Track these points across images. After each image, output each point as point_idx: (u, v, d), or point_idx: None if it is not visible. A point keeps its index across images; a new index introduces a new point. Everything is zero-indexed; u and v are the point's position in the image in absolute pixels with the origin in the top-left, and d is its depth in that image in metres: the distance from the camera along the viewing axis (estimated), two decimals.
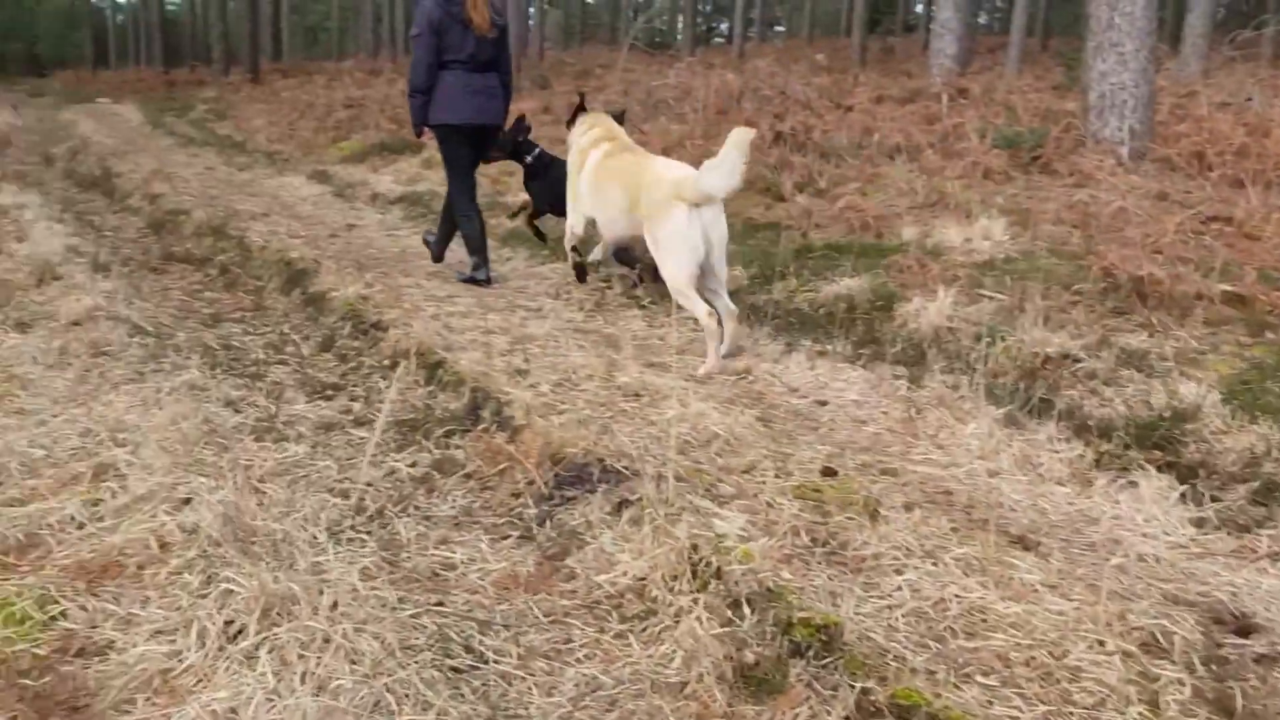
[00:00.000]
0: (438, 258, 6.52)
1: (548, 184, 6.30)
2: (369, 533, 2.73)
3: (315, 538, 2.63)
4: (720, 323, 4.44)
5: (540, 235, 6.87)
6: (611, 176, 5.23)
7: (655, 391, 3.81)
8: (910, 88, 15.22)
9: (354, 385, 4.10)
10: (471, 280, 5.98)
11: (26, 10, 56.73)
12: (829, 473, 3.11)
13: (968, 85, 14.78)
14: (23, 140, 14.10)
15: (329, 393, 3.99)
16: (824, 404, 3.97)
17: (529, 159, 6.50)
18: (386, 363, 4.31)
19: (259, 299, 5.63)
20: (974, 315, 5.13)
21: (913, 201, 8.57)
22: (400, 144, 12.83)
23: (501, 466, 3.15)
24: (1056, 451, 3.48)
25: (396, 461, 3.27)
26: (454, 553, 2.65)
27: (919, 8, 39.64)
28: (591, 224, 5.52)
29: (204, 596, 2.25)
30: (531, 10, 34.44)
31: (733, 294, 4.96)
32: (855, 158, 10.64)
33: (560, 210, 5.93)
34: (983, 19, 34.11)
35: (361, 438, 3.50)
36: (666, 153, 11.13)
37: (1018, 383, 4.16)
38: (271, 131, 15.75)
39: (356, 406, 3.82)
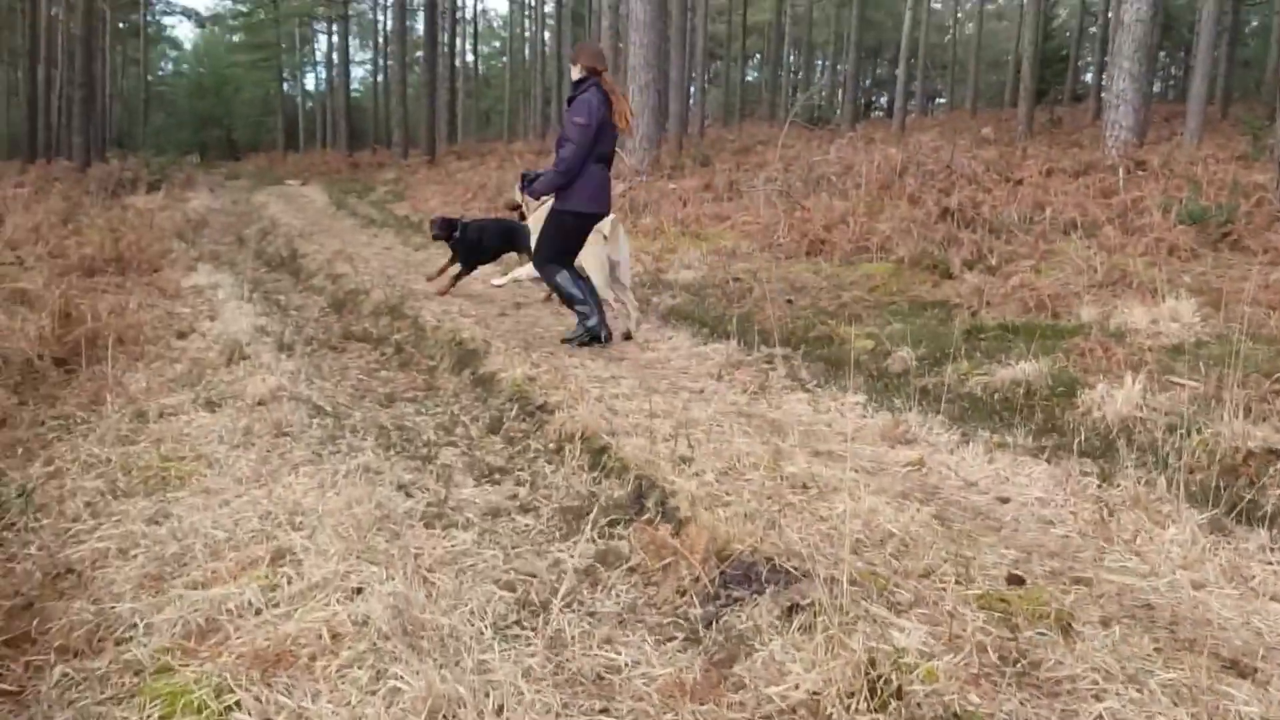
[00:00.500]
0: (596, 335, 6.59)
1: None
2: (533, 629, 2.69)
3: (481, 633, 2.60)
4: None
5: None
6: None
7: (824, 483, 3.68)
8: (1083, 160, 14.73)
9: (520, 469, 4.13)
10: (582, 337, 6.46)
11: (226, 100, 61.41)
12: (1016, 580, 2.91)
13: (1145, 157, 14.20)
14: (219, 221, 15.15)
15: (496, 476, 4.02)
16: (1005, 501, 3.75)
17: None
18: (552, 446, 4.33)
19: (431, 378, 5.78)
20: (1165, 404, 4.82)
21: (1091, 280, 8.20)
22: None
23: (666, 561, 3.07)
24: (1269, 563, 3.17)
25: (561, 552, 3.24)
26: (618, 654, 2.58)
27: (1088, 76, 38.51)
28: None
29: (373, 694, 2.25)
30: (693, 90, 35.14)
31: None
32: (1027, 233, 10.31)
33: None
34: (1156, 86, 32.84)
35: (527, 525, 3.50)
36: (829, 229, 11.14)
37: (1218, 481, 3.85)
38: (446, 212, 16.41)
39: (523, 492, 3.83)
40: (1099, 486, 3.83)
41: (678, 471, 3.75)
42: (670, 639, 2.69)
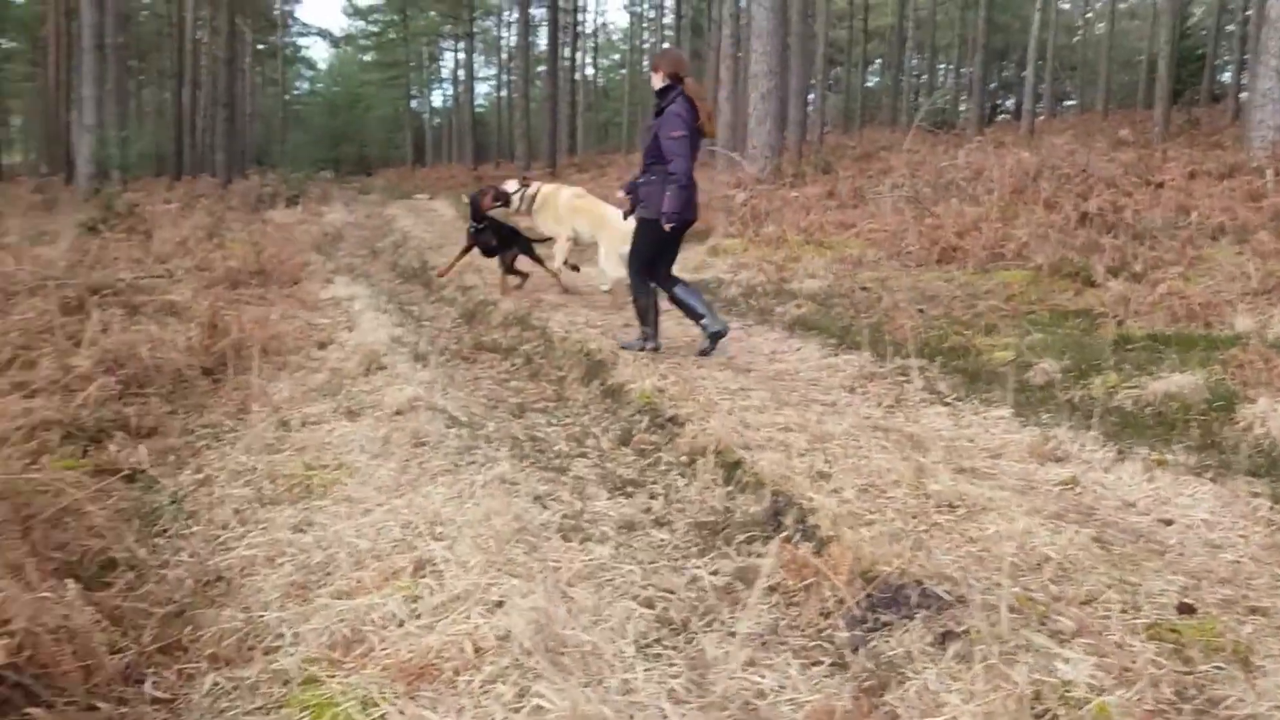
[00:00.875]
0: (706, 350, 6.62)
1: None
2: (675, 648, 2.63)
3: (623, 651, 2.56)
4: None
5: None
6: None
7: (972, 502, 3.52)
8: (1226, 162, 13.99)
9: (653, 482, 4.08)
10: (641, 349, 6.45)
11: (357, 117, 63.52)
12: (1186, 609, 2.72)
13: None
14: (353, 234, 15.60)
15: (629, 489, 3.99)
16: (1169, 523, 3.53)
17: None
18: (684, 459, 4.27)
19: (560, 389, 5.79)
20: None
21: (1245, 287, 7.75)
22: (687, 233, 13.09)
23: (807, 581, 2.98)
24: None
25: (698, 568, 3.17)
26: (763, 677, 2.49)
27: (1225, 76, 36.67)
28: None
29: (516, 711, 2.22)
30: (812, 96, 34.74)
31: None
32: (1172, 239, 9.81)
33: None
34: None
35: (662, 539, 3.44)
36: (961, 235, 10.81)
37: None
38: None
39: (656, 505, 3.78)
40: (1270, 508, 3.58)
41: (816, 488, 3.64)
42: (816, 663, 2.59)
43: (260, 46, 50.05)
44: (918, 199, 13.34)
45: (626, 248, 7.03)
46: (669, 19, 48.59)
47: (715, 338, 6.59)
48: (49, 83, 37.64)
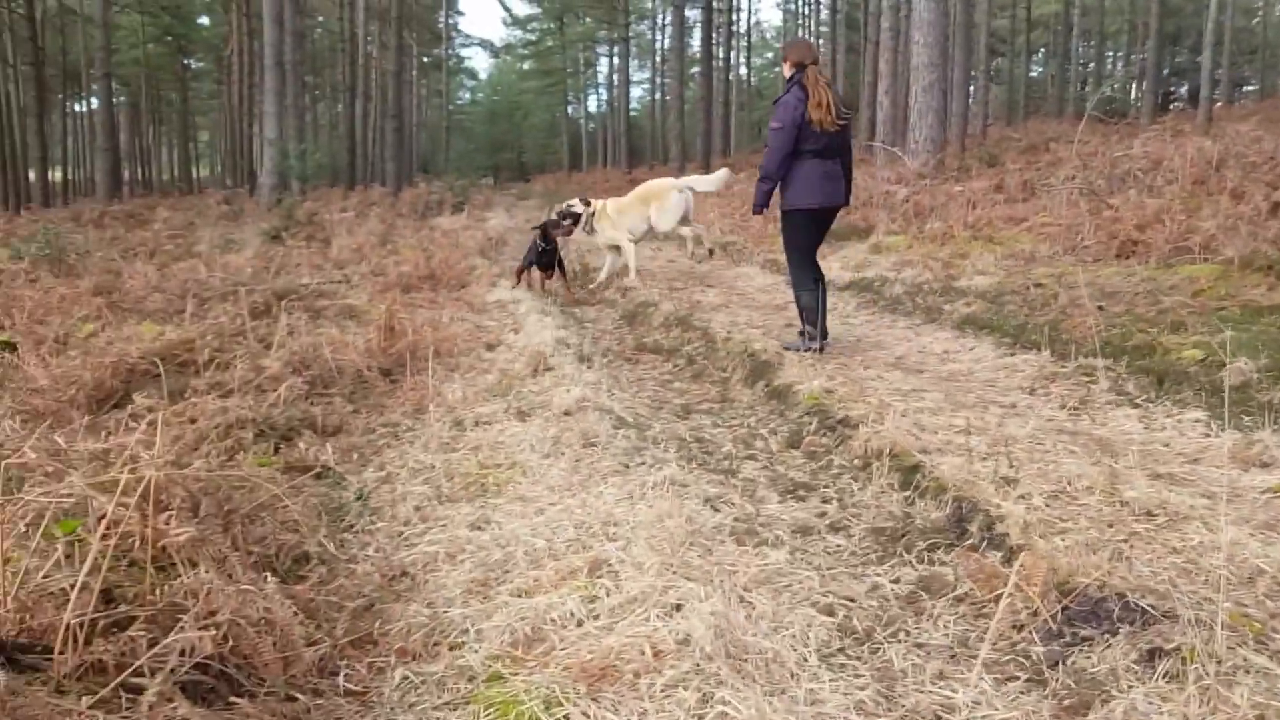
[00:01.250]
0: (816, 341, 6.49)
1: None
2: (860, 659, 2.55)
3: (805, 659, 2.49)
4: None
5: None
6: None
7: (1172, 510, 3.30)
8: None
9: (825, 485, 3.99)
10: (805, 349, 6.31)
11: (516, 124, 65.22)
12: None
13: None
14: (515, 239, 15.95)
15: (801, 493, 3.91)
16: None
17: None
18: (857, 463, 4.16)
19: (725, 390, 5.75)
20: None
21: None
22: (847, 230, 12.87)
23: (997, 592, 2.84)
24: None
25: (879, 576, 3.08)
26: (955, 692, 2.39)
27: None
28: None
29: (700, 717, 2.18)
30: (973, 89, 33.66)
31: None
32: None
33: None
34: None
35: (838, 545, 3.36)
36: (1141, 229, 10.24)
37: None
38: (724, 224, 16.51)
39: (831, 509, 3.70)
40: None
41: (1001, 494, 3.48)
42: (1011, 678, 2.46)
43: (425, 59, 51.95)
44: (1093, 191, 12.72)
45: (668, 209, 10.01)
46: (824, 14, 47.98)
47: (808, 348, 6.38)
48: (232, 99, 40.03)
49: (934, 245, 11.48)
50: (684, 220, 10.43)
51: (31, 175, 34.86)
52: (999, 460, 3.87)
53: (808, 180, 6.26)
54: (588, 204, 10.29)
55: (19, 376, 5.22)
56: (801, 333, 6.50)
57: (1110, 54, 49.41)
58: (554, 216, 9.98)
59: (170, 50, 45.17)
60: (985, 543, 3.16)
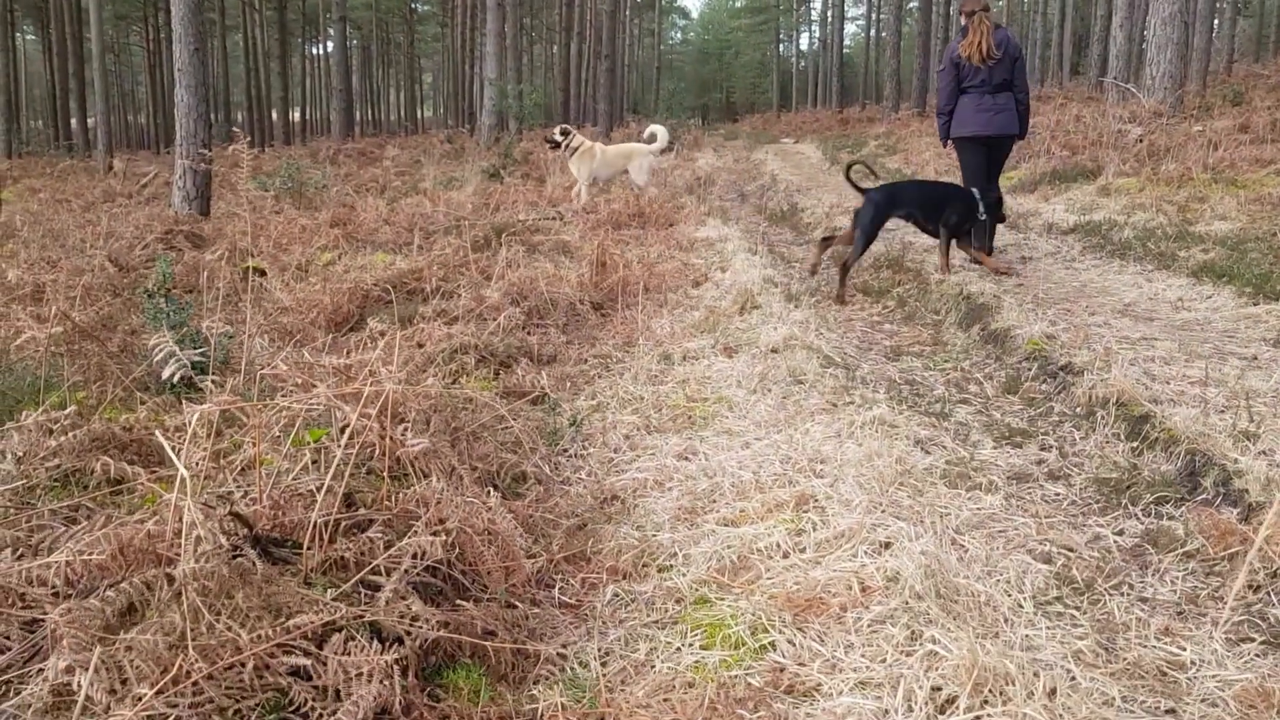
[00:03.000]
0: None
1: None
2: (1078, 608, 2.46)
3: (1020, 605, 2.43)
4: None
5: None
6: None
7: None
8: None
9: (1044, 433, 3.84)
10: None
11: (726, 64, 64.72)
12: None
13: None
14: (722, 179, 15.91)
15: (1018, 439, 3.78)
16: None
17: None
18: (1080, 410, 3.97)
19: (937, 333, 5.59)
20: None
21: None
22: (1073, 171, 12.16)
23: (1232, 550, 2.68)
24: None
25: (1100, 527, 2.95)
26: (1182, 649, 2.27)
27: None
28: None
29: (908, 654, 2.16)
30: (1217, 22, 30.84)
31: None
32: None
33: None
34: None
35: (1057, 494, 3.23)
36: None
37: None
38: (940, 164, 15.90)
39: (1050, 457, 3.56)
40: None
41: (1240, 449, 3.26)
42: (1245, 639, 2.33)
43: None
44: None
45: (645, 168, 11.95)
46: None
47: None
48: (455, 42, 41.41)
49: (1169, 188, 10.68)
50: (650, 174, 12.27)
51: (274, 115, 37.32)
52: (1238, 413, 3.62)
53: (963, 113, 7.34)
54: (566, 134, 11.76)
55: (269, 299, 5.66)
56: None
57: None
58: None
59: None
60: (1220, 498, 2.97)
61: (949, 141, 7.56)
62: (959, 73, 7.28)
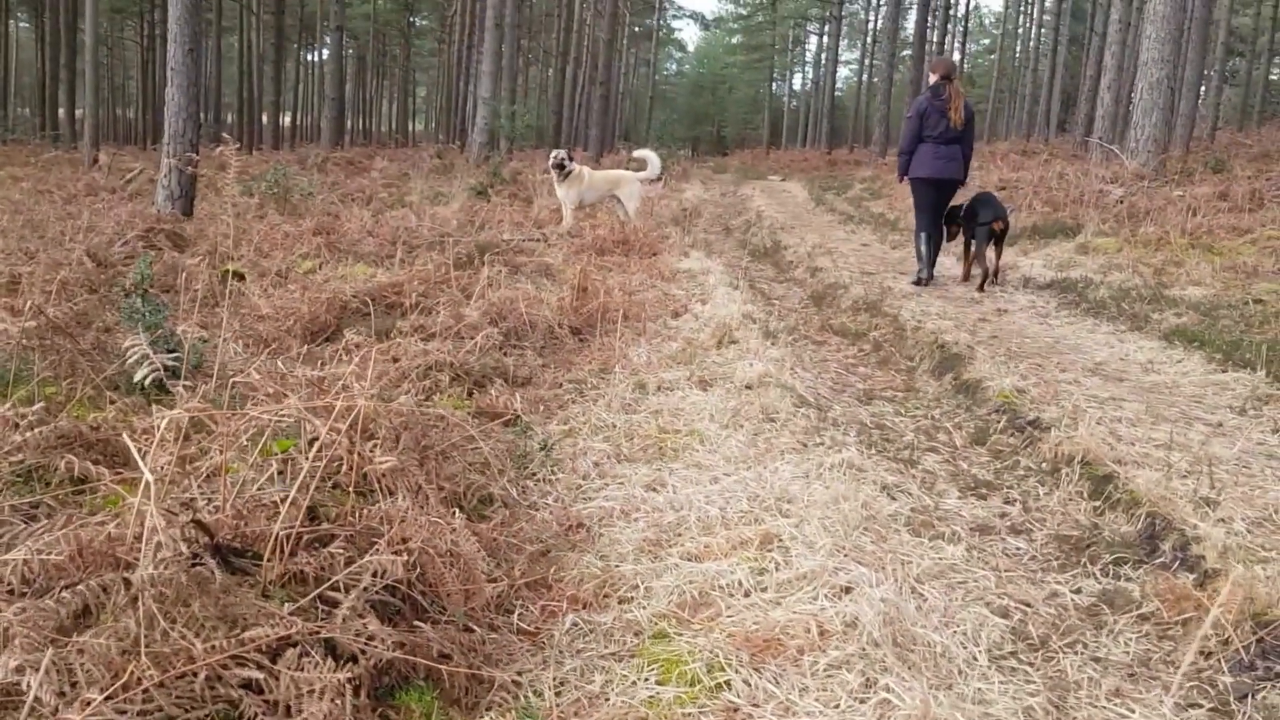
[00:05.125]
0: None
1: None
2: (1032, 664, 2.48)
3: (975, 658, 2.45)
4: None
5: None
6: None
7: None
8: None
9: (1009, 486, 3.88)
10: (913, 281, 8.90)
11: (719, 98, 65.19)
12: None
13: None
14: (709, 211, 16.01)
15: (983, 491, 3.81)
16: None
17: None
18: (1046, 466, 4.02)
19: (910, 379, 5.64)
20: None
21: None
22: (1053, 228, 12.33)
23: (1186, 615, 2.71)
24: None
25: (1059, 584, 2.98)
26: (1131, 710, 2.30)
27: None
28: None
29: (862, 701, 2.18)
30: (1204, 89, 31.40)
31: None
32: None
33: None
34: None
35: (1018, 548, 3.27)
36: None
37: None
38: None
39: (1013, 511, 3.59)
40: None
41: (1200, 514, 3.30)
42: (1193, 704, 2.36)
43: (636, 28, 52.48)
44: None
45: (635, 194, 12.00)
46: (1049, 2, 45.69)
47: (915, 282, 8.86)
48: (451, 58, 41.55)
49: (1146, 250, 10.85)
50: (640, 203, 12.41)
51: (264, 118, 37.23)
52: (1200, 479, 3.67)
53: (920, 158, 8.78)
54: (572, 159, 12.04)
55: (246, 304, 5.64)
56: (919, 270, 8.89)
57: None
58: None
59: (398, 6, 47.35)
60: (1178, 563, 3.01)
61: (904, 178, 9.05)
62: (922, 123, 8.73)
